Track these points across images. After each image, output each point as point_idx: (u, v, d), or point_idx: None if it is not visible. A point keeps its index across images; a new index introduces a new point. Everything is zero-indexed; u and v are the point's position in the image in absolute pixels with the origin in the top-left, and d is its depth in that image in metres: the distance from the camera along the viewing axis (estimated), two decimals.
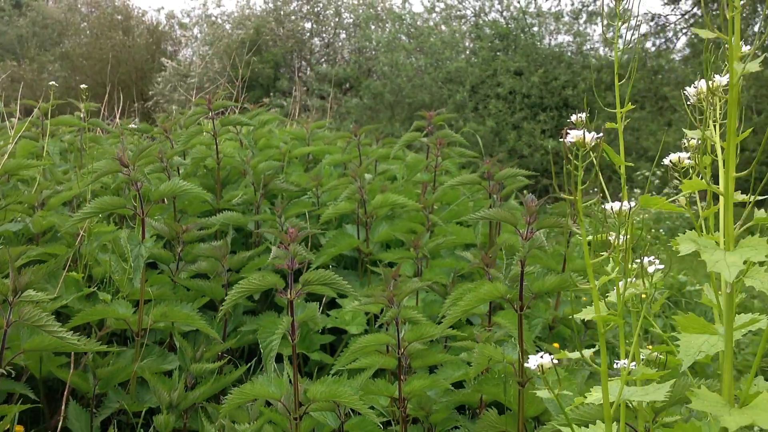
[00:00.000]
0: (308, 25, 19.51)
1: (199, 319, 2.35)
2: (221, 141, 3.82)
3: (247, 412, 2.26)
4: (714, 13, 17.02)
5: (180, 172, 3.39)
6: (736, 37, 1.03)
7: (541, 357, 0.96)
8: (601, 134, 1.00)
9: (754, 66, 1.02)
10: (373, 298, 2.08)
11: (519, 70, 16.41)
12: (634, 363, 1.09)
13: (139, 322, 2.38)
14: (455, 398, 2.27)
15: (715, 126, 1.11)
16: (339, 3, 19.22)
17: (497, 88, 16.31)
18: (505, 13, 17.60)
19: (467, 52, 17.66)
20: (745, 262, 0.98)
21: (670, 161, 1.13)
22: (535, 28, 17.39)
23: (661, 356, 1.33)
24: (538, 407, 2.08)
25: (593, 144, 0.99)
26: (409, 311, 2.22)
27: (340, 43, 19.65)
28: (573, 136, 1.00)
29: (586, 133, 0.98)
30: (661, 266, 1.03)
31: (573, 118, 1.53)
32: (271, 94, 17.24)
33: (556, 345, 3.18)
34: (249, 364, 2.65)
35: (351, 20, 19.43)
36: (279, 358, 2.85)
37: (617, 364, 1.06)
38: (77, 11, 21.18)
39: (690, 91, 1.14)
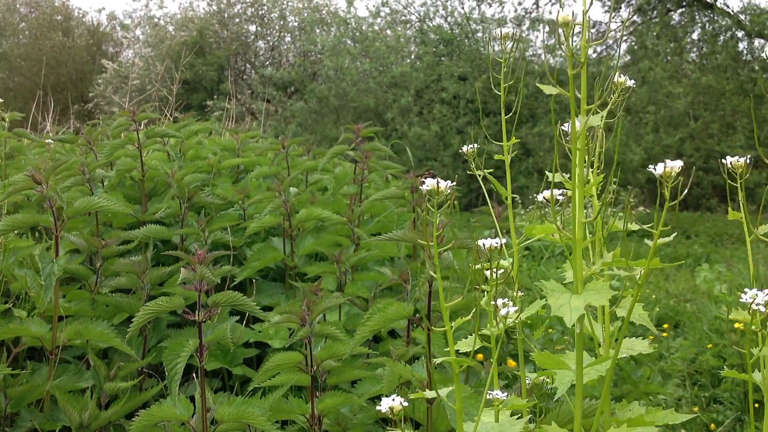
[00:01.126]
0: (252, 28, 19.41)
1: (114, 337, 2.33)
2: (150, 152, 3.78)
3: (165, 430, 2.26)
4: (653, 21, 17.41)
5: (104, 184, 3.35)
6: (582, 92, 1.07)
7: (393, 399, 0.99)
8: (454, 183, 1.03)
9: (596, 120, 1.06)
10: (286, 316, 2.09)
11: (463, 75, 16.57)
12: (505, 393, 1.12)
13: (53, 340, 2.35)
14: (371, 414, 2.30)
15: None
16: (284, 6, 19.17)
17: (442, 92, 16.45)
18: (449, 19, 17.76)
19: (412, 57, 17.78)
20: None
21: (543, 197, 1.17)
22: (479, 34, 17.58)
23: (547, 380, 1.37)
24: (448, 424, 2.12)
25: (448, 191, 1.02)
26: (327, 327, 2.24)
27: (285, 47, 19.59)
28: (428, 184, 1.03)
29: (440, 182, 1.01)
30: (514, 308, 1.06)
31: (465, 148, 1.56)
32: (215, 96, 17.10)
33: (480, 356, 3.22)
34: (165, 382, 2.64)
35: (296, 24, 19.39)
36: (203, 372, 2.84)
37: (490, 394, 1.09)
38: (16, 11, 20.73)
39: (566, 128, 1.18)
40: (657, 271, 9.57)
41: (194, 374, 2.78)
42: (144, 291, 2.73)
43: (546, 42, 17.05)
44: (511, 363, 3.33)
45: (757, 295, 1.06)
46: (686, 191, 0.94)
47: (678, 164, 0.92)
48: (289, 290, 3.20)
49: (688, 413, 1.27)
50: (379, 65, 16.89)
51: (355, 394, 2.30)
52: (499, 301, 1.06)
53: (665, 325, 5.61)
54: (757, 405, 3.88)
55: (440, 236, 2.01)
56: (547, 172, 1.20)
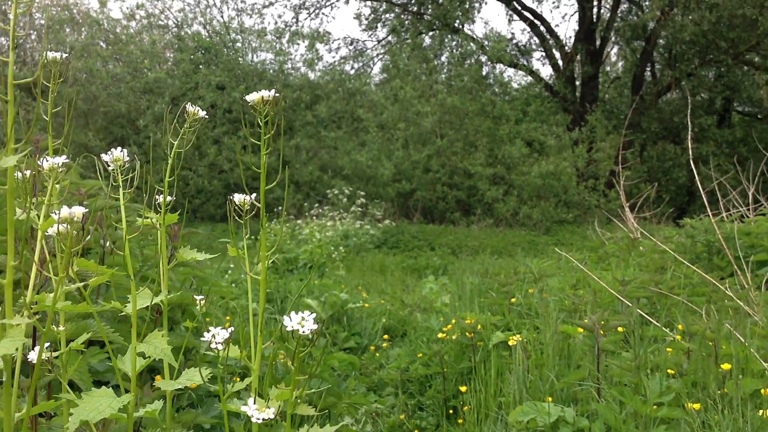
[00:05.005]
0: None
1: None
2: None
3: None
4: (406, 42, 18.21)
5: None
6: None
7: None
8: None
9: (10, 161, 1.04)
10: None
11: (221, 84, 16.41)
12: None
13: None
14: None
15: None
16: (29, 1, 17.90)
17: (198, 101, 16.17)
18: (208, 27, 17.52)
19: (169, 63, 17.33)
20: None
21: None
22: (238, 44, 17.50)
23: None
24: None
25: None
26: None
27: (30, 45, 18.34)
28: None
29: None
30: None
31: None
32: None
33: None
34: None
35: (43, 22, 18.22)
36: None
37: None
38: None
39: None
40: (396, 282, 9.98)
41: None
42: None
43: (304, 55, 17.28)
44: None
45: (219, 332, 1.08)
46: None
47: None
48: None
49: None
50: (133, 70, 16.31)
51: None
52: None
53: (385, 336, 5.84)
54: (451, 411, 4.12)
55: None
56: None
